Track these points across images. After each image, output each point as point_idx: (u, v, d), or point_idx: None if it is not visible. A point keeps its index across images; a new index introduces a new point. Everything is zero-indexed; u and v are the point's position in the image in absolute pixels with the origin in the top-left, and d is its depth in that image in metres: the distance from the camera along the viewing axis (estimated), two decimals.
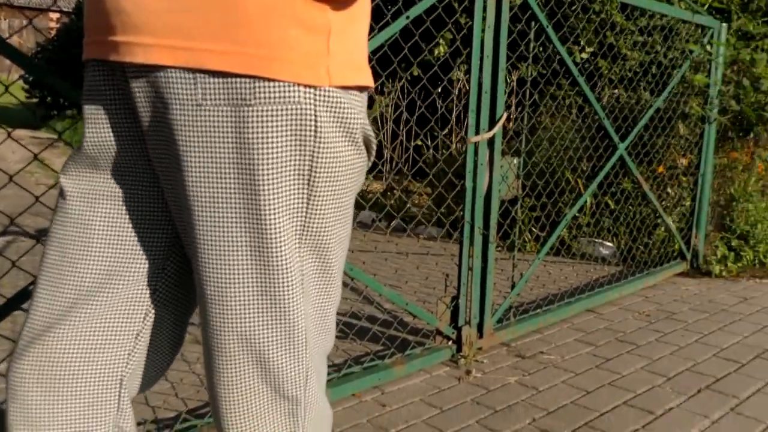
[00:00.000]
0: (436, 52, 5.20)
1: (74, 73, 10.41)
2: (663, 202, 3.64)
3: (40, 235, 4.14)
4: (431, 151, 4.97)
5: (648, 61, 4.24)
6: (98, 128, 0.75)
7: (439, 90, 5.11)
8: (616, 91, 4.61)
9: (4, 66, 21.93)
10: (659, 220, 3.56)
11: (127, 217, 0.76)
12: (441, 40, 5.10)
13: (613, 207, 3.83)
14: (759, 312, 2.80)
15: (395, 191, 4.92)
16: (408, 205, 4.75)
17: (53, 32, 11.72)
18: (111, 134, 0.75)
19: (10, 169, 6.30)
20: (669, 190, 3.69)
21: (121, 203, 0.76)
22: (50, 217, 4.51)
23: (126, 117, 0.75)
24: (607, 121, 2.81)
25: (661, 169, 3.67)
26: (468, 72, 2.12)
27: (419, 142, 5.25)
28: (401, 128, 5.20)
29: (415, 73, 5.49)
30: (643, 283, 3.19)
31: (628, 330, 2.55)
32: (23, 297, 1.34)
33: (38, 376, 0.73)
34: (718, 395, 1.93)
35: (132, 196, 0.77)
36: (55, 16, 18.37)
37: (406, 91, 5.57)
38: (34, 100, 11.24)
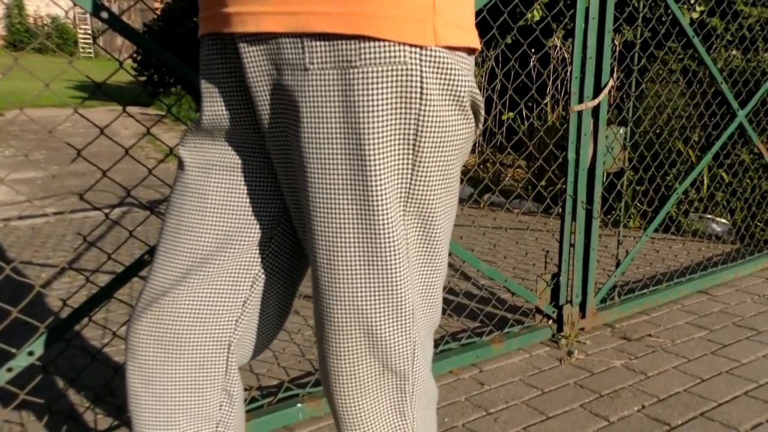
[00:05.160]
0: (530, 16, 4.97)
1: (177, 51, 10.90)
2: None
3: (153, 207, 4.39)
4: (530, 121, 4.80)
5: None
6: (213, 102, 0.77)
7: (536, 58, 4.90)
8: (734, 52, 4.23)
9: (114, 46, 23.32)
10: None
11: (239, 186, 0.78)
12: (537, 5, 4.88)
13: (728, 180, 3.54)
14: None
15: (491, 164, 4.80)
16: (507, 178, 4.63)
17: (158, 12, 12.27)
18: (224, 107, 0.77)
19: (123, 144, 6.71)
20: None
21: (233, 173, 0.78)
22: (161, 190, 4.78)
23: (237, 90, 0.76)
24: (726, 86, 2.58)
25: None
26: (566, 37, 2.00)
27: (513, 114, 5.08)
28: (494, 98, 5.05)
29: (509, 41, 5.28)
30: (763, 263, 2.94)
31: (747, 314, 2.36)
32: (140, 266, 1.41)
33: (154, 337, 0.77)
34: None
35: (244, 166, 0.78)
36: None
37: (500, 60, 5.39)
38: (143, 78, 11.90)
